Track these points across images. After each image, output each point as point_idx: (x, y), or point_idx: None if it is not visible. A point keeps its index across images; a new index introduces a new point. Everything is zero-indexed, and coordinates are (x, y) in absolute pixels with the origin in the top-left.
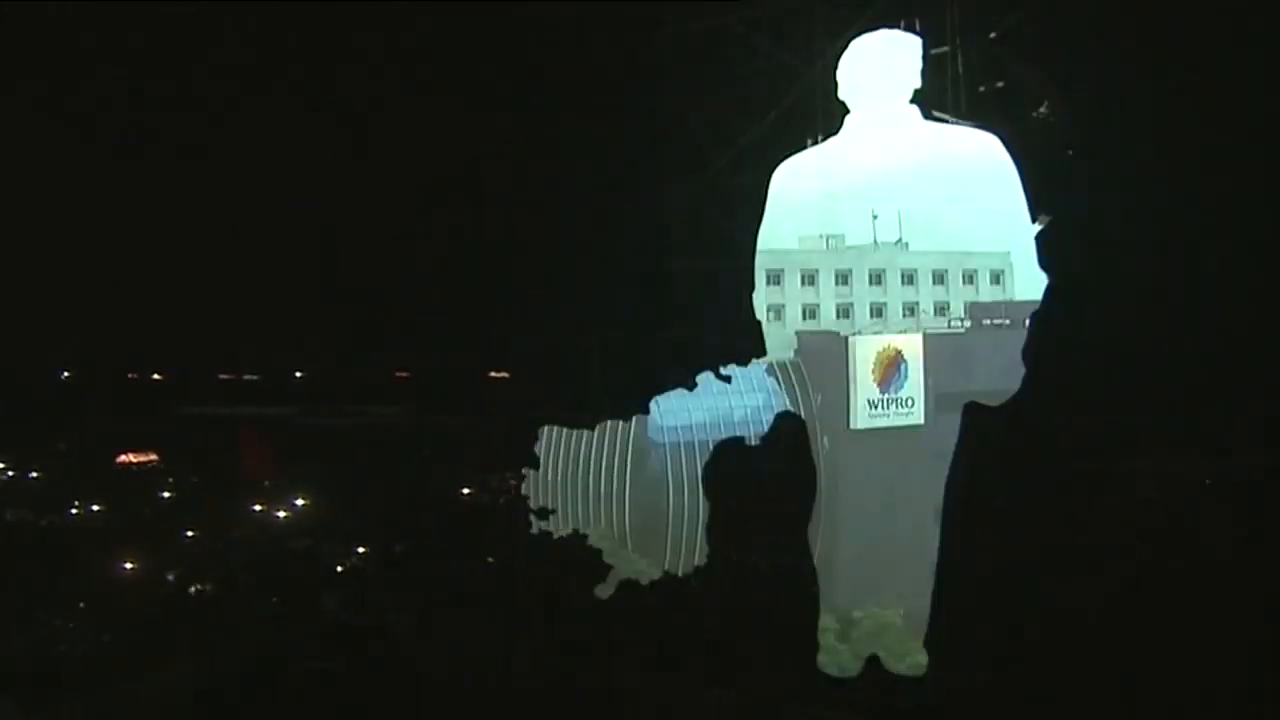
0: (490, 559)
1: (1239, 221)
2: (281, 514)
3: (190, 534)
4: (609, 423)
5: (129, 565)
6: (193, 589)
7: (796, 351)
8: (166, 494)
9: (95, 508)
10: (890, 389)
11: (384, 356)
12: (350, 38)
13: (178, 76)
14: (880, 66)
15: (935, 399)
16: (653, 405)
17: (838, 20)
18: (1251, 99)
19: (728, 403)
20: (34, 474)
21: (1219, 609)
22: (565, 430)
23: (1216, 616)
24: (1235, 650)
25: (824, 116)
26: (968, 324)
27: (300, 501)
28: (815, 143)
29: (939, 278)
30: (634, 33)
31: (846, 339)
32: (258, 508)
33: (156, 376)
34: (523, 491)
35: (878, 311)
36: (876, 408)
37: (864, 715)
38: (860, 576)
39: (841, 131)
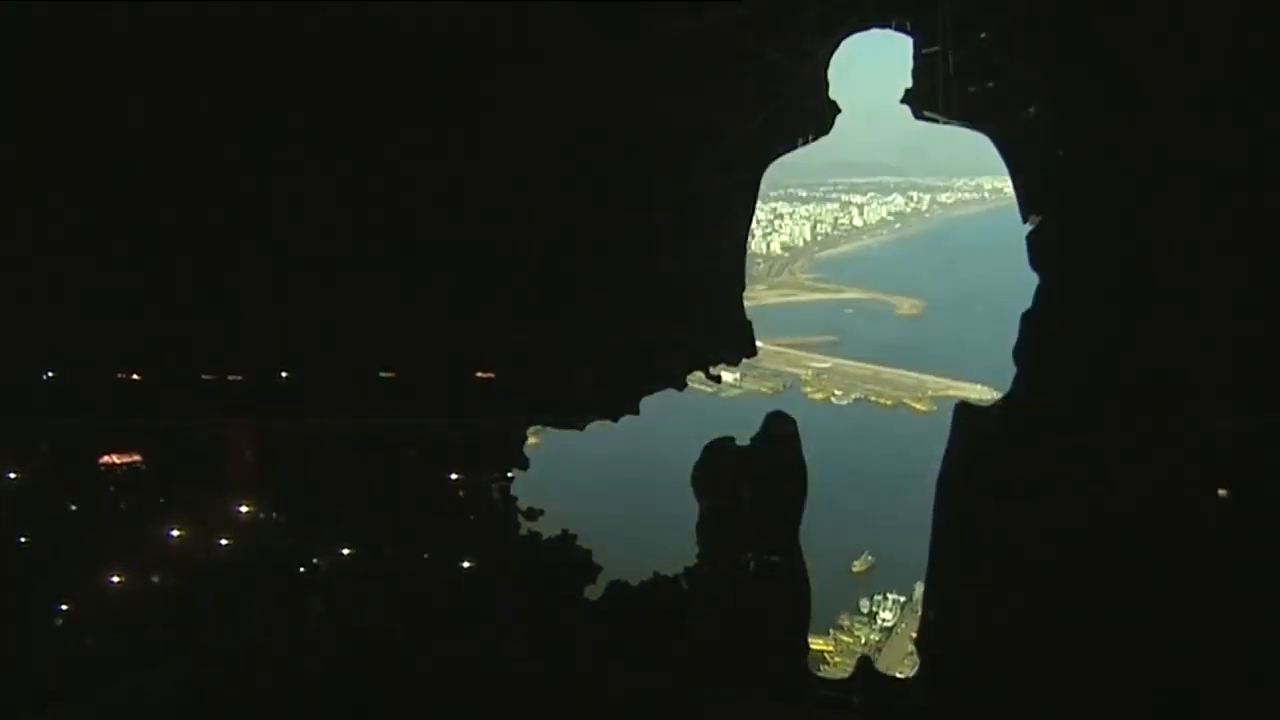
0: (479, 560)
1: (1235, 220)
2: (266, 515)
3: (175, 535)
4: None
5: (111, 566)
6: (178, 591)
7: None
8: (151, 495)
9: (76, 508)
10: None
11: (369, 356)
12: (339, 34)
13: (158, 73)
14: (871, 66)
15: None
16: None
17: (828, 19)
18: (1247, 98)
19: None
20: (13, 474)
21: (1215, 609)
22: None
23: (1213, 616)
24: (1235, 652)
25: (815, 116)
26: None
27: (287, 502)
28: (806, 142)
29: None
30: (623, 31)
31: None
32: (243, 509)
33: (136, 376)
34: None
35: None
36: None
37: (857, 716)
38: None
39: (832, 131)
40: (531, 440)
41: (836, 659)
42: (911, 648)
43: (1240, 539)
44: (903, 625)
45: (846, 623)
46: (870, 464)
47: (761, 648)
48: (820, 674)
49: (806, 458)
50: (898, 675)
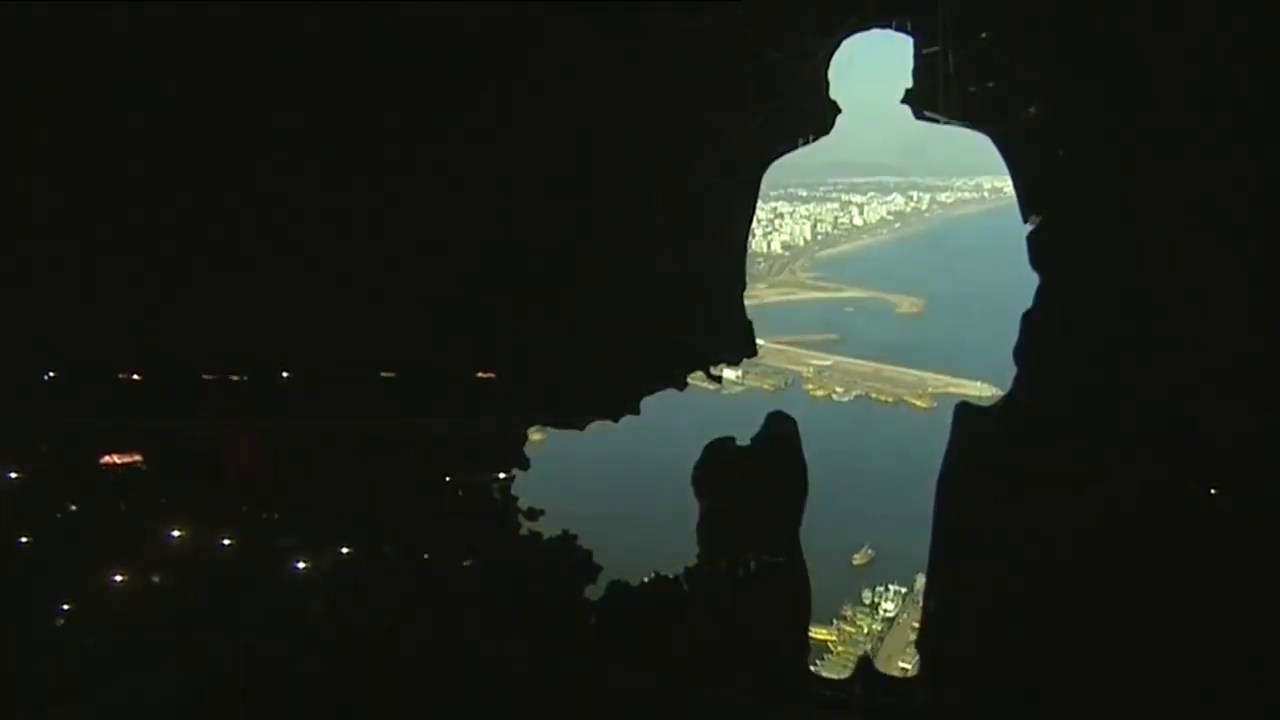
0: (479, 559)
1: (1234, 220)
2: (266, 515)
3: (175, 535)
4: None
5: (112, 566)
6: (178, 591)
7: None
8: (151, 495)
9: (76, 508)
10: None
11: (369, 356)
12: (339, 34)
13: (160, 73)
14: (871, 66)
15: None
16: None
17: (828, 19)
18: (1247, 97)
19: None
20: (14, 474)
21: (1215, 607)
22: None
23: (1213, 615)
24: (1235, 650)
25: (815, 116)
26: None
27: (287, 502)
28: (806, 142)
29: None
30: (623, 31)
31: None
32: (243, 509)
33: (137, 376)
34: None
35: None
36: None
37: (857, 716)
38: None
39: (833, 131)
40: (536, 437)
41: (840, 648)
42: (913, 637)
43: (1240, 538)
44: (904, 615)
45: (849, 613)
46: (871, 460)
47: (762, 648)
48: (822, 666)
49: (808, 454)
50: (898, 674)
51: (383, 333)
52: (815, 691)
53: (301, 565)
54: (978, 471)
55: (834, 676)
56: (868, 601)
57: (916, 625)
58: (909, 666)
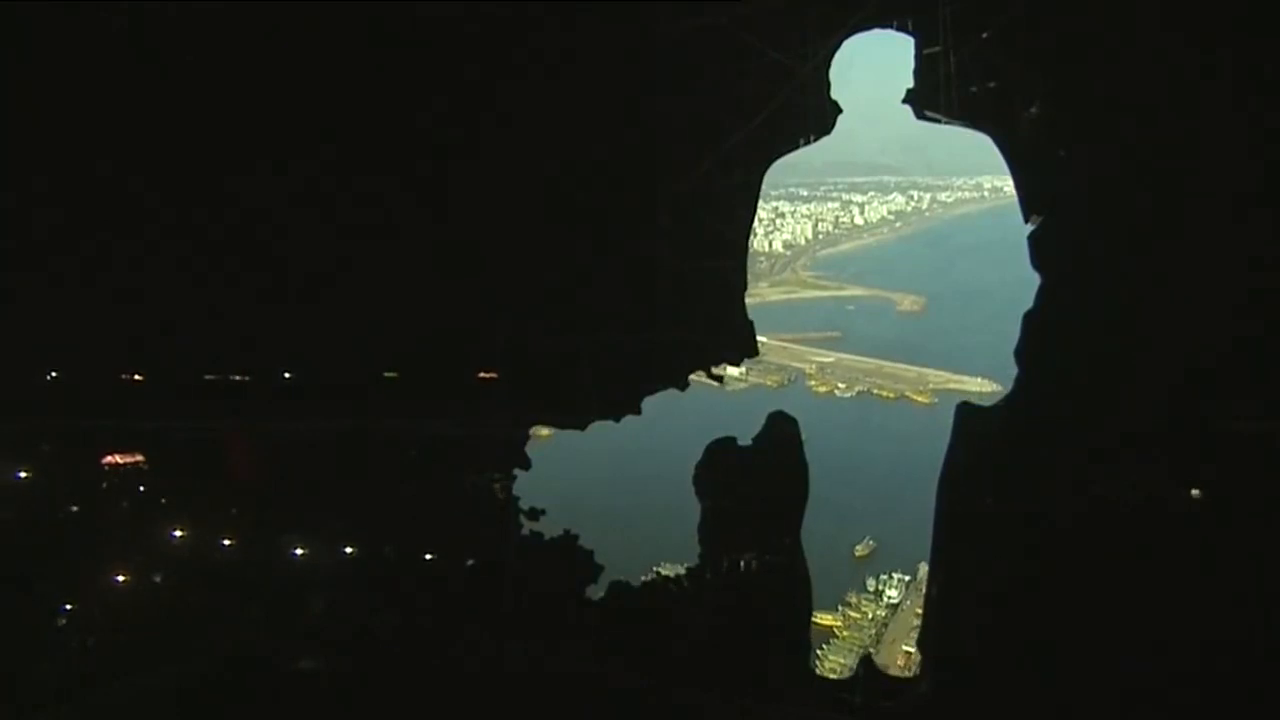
0: (479, 559)
1: (1235, 218)
2: (266, 515)
3: (175, 536)
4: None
5: (111, 567)
6: (178, 591)
7: None
8: (151, 495)
9: (78, 509)
10: None
11: (369, 356)
12: (339, 33)
13: (160, 71)
14: (871, 66)
15: None
16: None
17: (829, 19)
18: (1247, 96)
19: None
20: (14, 474)
21: (1215, 607)
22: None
23: (1213, 614)
24: (1235, 650)
25: (816, 116)
26: None
27: (286, 502)
28: (807, 142)
29: None
30: (623, 30)
31: None
32: (243, 509)
33: (139, 377)
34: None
35: None
36: None
37: (858, 716)
38: None
39: (834, 131)
40: (544, 433)
41: (845, 633)
42: (916, 623)
43: (1240, 537)
44: (908, 602)
45: (854, 600)
46: (872, 454)
47: (762, 648)
48: (828, 651)
49: (810, 449)
50: (899, 675)
51: (383, 332)
52: (816, 691)
53: (301, 565)
54: (978, 472)
55: (840, 660)
56: (872, 589)
57: (920, 612)
58: (912, 650)
